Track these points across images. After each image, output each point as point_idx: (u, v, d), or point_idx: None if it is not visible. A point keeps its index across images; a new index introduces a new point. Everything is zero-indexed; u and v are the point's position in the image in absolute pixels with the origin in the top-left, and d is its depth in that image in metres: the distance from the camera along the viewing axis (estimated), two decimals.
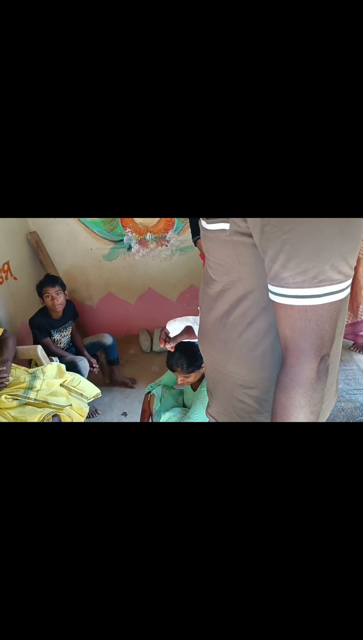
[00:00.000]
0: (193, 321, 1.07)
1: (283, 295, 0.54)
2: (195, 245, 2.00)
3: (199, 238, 1.94)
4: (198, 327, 1.04)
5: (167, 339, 1.07)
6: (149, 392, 1.73)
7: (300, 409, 0.56)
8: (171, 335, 1.08)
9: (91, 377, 2.13)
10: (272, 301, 0.57)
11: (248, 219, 0.55)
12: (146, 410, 1.70)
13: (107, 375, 2.46)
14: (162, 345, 1.09)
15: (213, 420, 0.87)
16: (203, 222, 0.64)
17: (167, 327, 1.09)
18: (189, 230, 2.25)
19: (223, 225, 0.60)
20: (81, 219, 2.55)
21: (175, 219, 2.56)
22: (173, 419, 1.57)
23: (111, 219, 2.56)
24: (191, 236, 2.05)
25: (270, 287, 0.56)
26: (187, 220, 2.48)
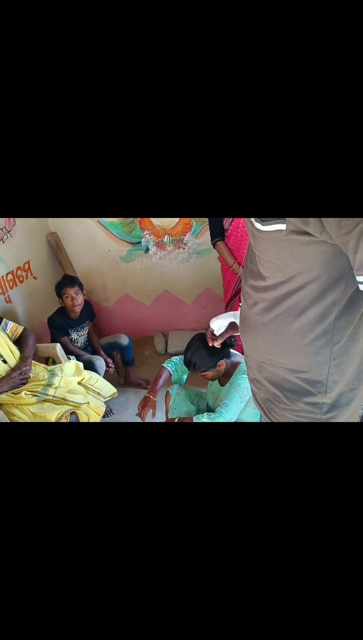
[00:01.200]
0: (234, 316, 1.09)
1: None
2: (214, 247, 2.01)
3: (220, 240, 1.95)
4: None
5: (213, 337, 1.11)
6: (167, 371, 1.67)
7: None
8: (217, 333, 1.11)
9: (106, 377, 2.14)
10: (360, 290, 0.60)
11: (323, 219, 0.57)
12: (160, 376, 1.66)
13: (122, 376, 2.48)
14: (211, 344, 1.12)
15: (259, 408, 0.90)
16: (256, 224, 0.66)
17: (211, 325, 1.12)
18: (207, 233, 2.25)
19: (279, 226, 0.62)
20: (100, 220, 2.58)
21: (193, 222, 2.58)
22: None
23: (129, 221, 2.59)
24: (208, 239, 2.05)
25: (361, 279, 0.59)
26: (205, 223, 2.49)
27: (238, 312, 1.10)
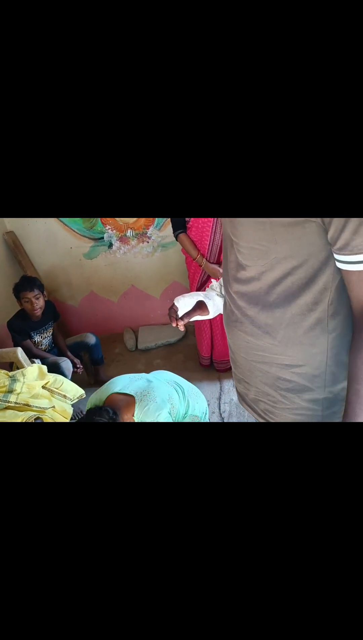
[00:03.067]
0: (204, 296, 0.94)
1: (356, 262, 0.55)
2: (177, 240, 1.97)
3: (182, 232, 1.92)
4: (210, 301, 0.93)
5: (176, 316, 0.93)
6: None
7: None
8: (181, 312, 0.93)
9: (76, 378, 2.08)
10: (342, 270, 0.59)
11: None
12: None
13: (92, 376, 2.42)
14: (174, 325, 0.93)
15: (249, 410, 0.83)
16: None
17: (175, 303, 0.94)
18: (170, 225, 2.21)
19: None
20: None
21: None
22: None
23: None
24: (172, 232, 2.02)
25: (339, 257, 0.57)
26: None
27: (209, 293, 0.95)
